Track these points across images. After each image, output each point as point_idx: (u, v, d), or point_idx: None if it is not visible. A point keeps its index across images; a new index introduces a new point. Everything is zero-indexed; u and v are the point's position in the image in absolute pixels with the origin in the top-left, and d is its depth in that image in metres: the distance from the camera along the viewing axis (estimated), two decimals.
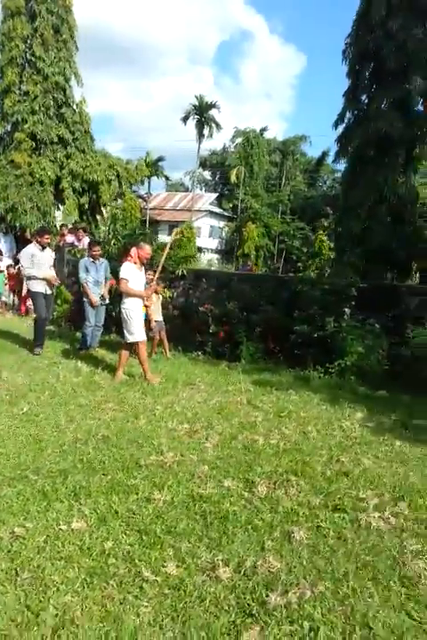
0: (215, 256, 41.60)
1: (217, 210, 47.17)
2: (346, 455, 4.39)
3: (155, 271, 7.06)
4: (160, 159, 42.61)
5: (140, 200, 43.02)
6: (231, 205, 47.87)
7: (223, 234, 46.47)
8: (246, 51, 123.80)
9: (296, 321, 7.29)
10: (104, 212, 19.83)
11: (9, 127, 17.10)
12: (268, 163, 46.69)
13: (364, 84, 11.11)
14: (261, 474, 3.88)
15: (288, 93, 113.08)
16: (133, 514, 3.16)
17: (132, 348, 6.53)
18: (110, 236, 11.17)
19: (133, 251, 6.55)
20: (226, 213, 47.90)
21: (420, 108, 10.38)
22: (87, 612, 2.29)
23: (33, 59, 16.57)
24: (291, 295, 7.65)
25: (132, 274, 6.35)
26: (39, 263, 7.65)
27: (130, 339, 6.35)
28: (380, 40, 10.40)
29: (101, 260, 8.18)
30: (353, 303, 7.17)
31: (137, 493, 3.42)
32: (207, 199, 46.94)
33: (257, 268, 27.69)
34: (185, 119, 39.49)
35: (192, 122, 40.23)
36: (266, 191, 48.05)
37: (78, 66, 17.57)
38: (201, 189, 61.81)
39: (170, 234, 40.55)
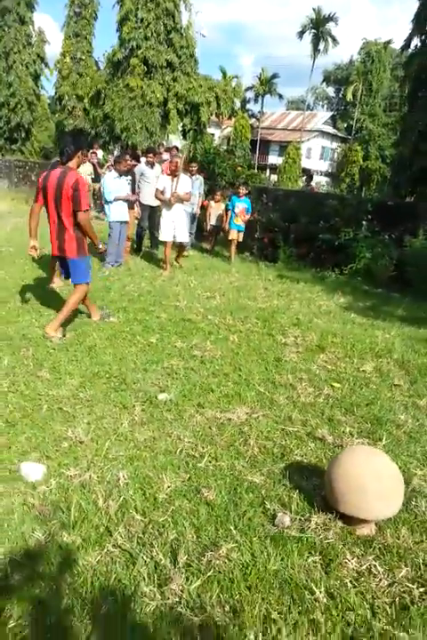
0: (324, 179, 41.42)
1: (330, 130, 46.19)
2: (306, 316, 6.31)
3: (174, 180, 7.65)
4: (274, 76, 42.47)
5: (253, 119, 43.71)
6: (346, 125, 46.44)
7: (335, 155, 45.61)
8: None
9: (321, 230, 8.96)
10: (206, 132, 21.41)
11: (126, 53, 19.34)
12: (390, 79, 43.87)
13: None
14: (236, 317, 6.00)
15: None
16: (147, 321, 5.51)
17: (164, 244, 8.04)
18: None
19: (165, 164, 8.47)
20: (340, 134, 46.67)
21: None
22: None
23: None
24: (322, 208, 9.25)
25: (165, 184, 7.65)
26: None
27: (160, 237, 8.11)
28: None
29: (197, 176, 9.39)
30: (370, 217, 8.61)
31: (153, 314, 5.77)
32: (320, 118, 46.03)
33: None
34: (301, 34, 38.62)
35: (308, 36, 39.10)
36: (387, 110, 45.67)
37: None
38: (323, 107, 60.05)
39: (281, 154, 41.30)
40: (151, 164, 8.90)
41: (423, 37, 11.49)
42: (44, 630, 1.85)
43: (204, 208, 10.86)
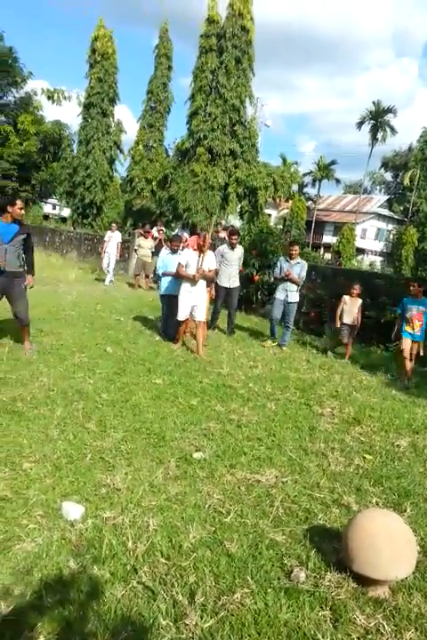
0: (378, 258, 41.51)
1: (386, 212, 46.72)
2: (345, 389, 6.40)
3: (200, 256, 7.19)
4: (333, 162, 44.02)
5: (310, 202, 45.07)
6: (402, 208, 46.82)
7: (391, 237, 45.83)
8: None
9: (368, 307, 9.10)
10: (263, 213, 22.28)
11: (193, 142, 20.93)
12: None
13: None
14: (275, 386, 6.19)
15: None
16: (189, 385, 5.82)
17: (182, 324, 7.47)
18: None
19: (192, 239, 8.31)
20: (396, 216, 47.05)
21: None
22: None
23: (218, 86, 19.99)
24: (370, 286, 9.43)
25: (190, 259, 7.16)
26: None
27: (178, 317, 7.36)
28: None
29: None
30: None
31: (196, 379, 6.07)
32: (377, 202, 46.76)
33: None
34: (360, 124, 40.23)
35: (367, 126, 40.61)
36: None
37: (253, 88, 20.61)
38: (380, 191, 61.11)
39: (335, 234, 42.05)
40: (232, 246, 8.74)
41: None
42: None
43: (254, 282, 11.33)
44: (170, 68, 23.88)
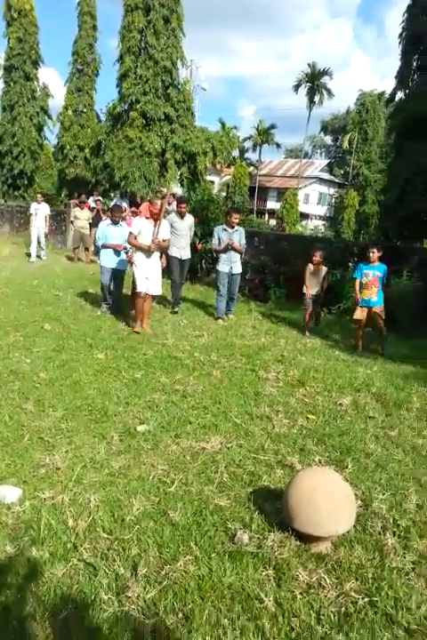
0: (321, 222, 42.33)
1: (327, 176, 47.49)
2: (290, 353, 6.49)
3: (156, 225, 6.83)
4: (272, 126, 44.01)
5: (252, 168, 45.03)
6: (343, 172, 47.74)
7: (333, 201, 46.76)
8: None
9: None
10: (204, 179, 22.01)
11: (125, 107, 20.22)
12: (384, 128, 45.39)
13: (413, 66, 12.04)
14: (221, 354, 6.19)
15: None
16: (133, 358, 5.71)
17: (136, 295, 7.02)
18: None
19: (144, 206, 7.89)
20: (337, 180, 47.93)
21: None
22: None
23: (147, 47, 19.36)
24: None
25: (142, 228, 6.82)
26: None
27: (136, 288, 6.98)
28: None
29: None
30: (356, 259, 8.89)
31: (140, 351, 5.96)
32: (318, 166, 47.41)
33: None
34: (296, 87, 40.32)
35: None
36: (383, 157, 46.98)
37: (184, 50, 20.08)
38: (321, 155, 61.89)
39: (279, 200, 42.41)
40: (182, 215, 8.43)
41: (407, 92, 12.15)
42: (6, 632, 1.99)
43: (197, 251, 11.21)
44: (95, 27, 22.77)
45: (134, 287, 7.12)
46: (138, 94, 19.15)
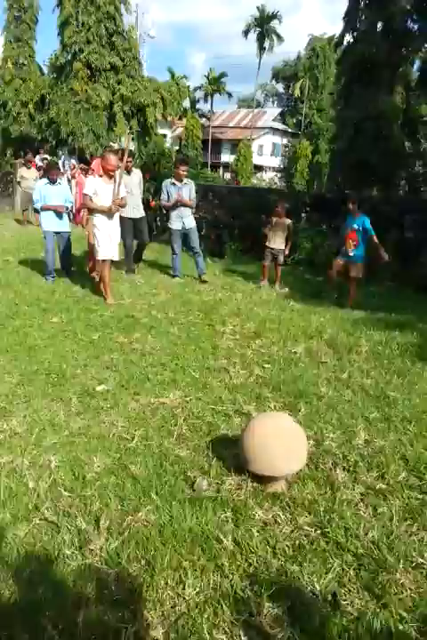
0: (276, 174, 42.17)
1: (280, 126, 47.09)
2: (246, 306, 6.59)
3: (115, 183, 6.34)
4: (223, 75, 42.97)
5: (204, 119, 44.07)
6: (295, 121, 47.43)
7: (286, 151, 46.49)
8: None
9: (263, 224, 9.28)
10: (156, 132, 21.40)
11: (69, 57, 19.22)
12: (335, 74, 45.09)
13: (359, 8, 11.93)
14: (178, 311, 6.22)
15: None
16: (89, 320, 5.66)
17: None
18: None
19: (96, 162, 7.33)
20: (290, 130, 47.61)
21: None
22: None
23: None
24: (265, 203, 9.59)
25: (98, 188, 6.27)
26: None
27: (96, 255, 6.51)
28: None
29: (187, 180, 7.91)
30: (308, 209, 9.02)
31: (96, 312, 5.91)
32: (270, 115, 46.86)
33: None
34: (246, 33, 39.28)
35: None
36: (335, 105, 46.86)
37: None
38: (273, 104, 61.00)
39: (233, 153, 41.84)
40: (128, 171, 7.58)
41: (355, 34, 12.06)
42: None
43: (151, 208, 11.03)
44: None
45: (96, 254, 6.54)
46: (81, 43, 18.29)
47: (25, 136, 20.73)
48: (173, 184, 7.78)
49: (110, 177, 6.34)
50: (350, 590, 2.11)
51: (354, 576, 2.18)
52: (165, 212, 8.32)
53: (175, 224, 7.92)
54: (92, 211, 6.43)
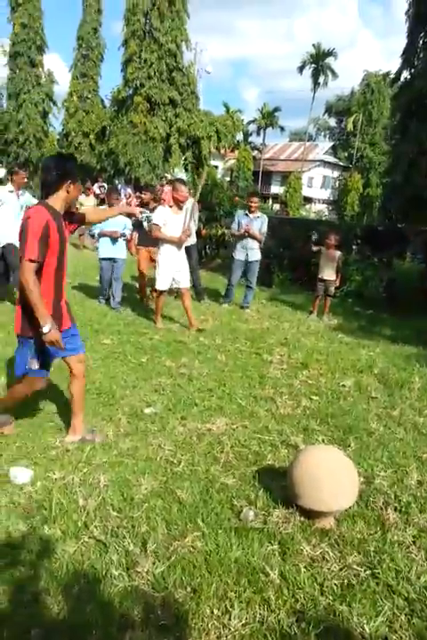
0: (324, 206, 42.08)
1: (331, 159, 47.09)
2: (294, 336, 6.55)
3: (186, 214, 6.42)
4: (277, 109, 43.62)
5: (256, 151, 44.73)
6: (347, 154, 47.31)
7: (337, 184, 46.40)
8: None
9: (314, 254, 9.25)
10: (208, 164, 21.90)
11: (130, 91, 20.14)
12: (389, 109, 44.82)
13: (418, 46, 11.88)
14: (226, 338, 6.26)
15: None
16: (139, 343, 5.78)
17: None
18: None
19: (167, 193, 7.20)
20: (341, 163, 47.52)
21: None
22: None
23: (151, 30, 19.19)
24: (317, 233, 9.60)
25: (167, 218, 6.27)
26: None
27: (155, 285, 6.54)
28: None
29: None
30: (359, 241, 8.92)
31: (145, 336, 6.03)
32: (322, 149, 47.00)
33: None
34: (301, 69, 39.85)
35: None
36: (387, 139, 46.47)
37: (188, 32, 19.91)
38: (325, 138, 61.29)
39: (283, 184, 42.12)
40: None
41: (412, 71, 12.00)
42: (21, 606, 2.07)
43: (202, 236, 11.23)
44: (99, 11, 22.72)
45: (155, 283, 6.60)
46: (142, 79, 19.09)
47: (85, 165, 21.72)
48: (246, 215, 7.83)
49: (180, 207, 6.37)
50: (401, 637, 2.02)
51: (406, 622, 2.09)
52: (232, 240, 8.35)
53: (238, 254, 7.95)
54: (160, 240, 6.39)
